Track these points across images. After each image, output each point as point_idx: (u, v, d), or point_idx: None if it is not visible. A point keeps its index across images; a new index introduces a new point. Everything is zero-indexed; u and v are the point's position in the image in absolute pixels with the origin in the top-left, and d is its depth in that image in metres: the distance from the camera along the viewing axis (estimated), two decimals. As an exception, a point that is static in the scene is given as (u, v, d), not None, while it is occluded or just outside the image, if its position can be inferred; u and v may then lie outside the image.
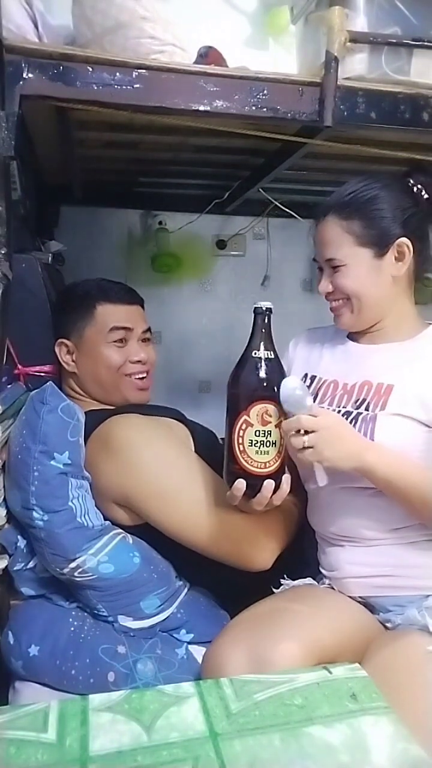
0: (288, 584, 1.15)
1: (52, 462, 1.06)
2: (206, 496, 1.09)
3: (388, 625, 1.07)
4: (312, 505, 1.18)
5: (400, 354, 1.09)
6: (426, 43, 1.07)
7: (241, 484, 0.96)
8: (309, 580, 1.16)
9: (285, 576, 1.16)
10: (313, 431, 0.93)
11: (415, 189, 1.10)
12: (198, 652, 1.11)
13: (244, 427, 0.96)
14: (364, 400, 1.07)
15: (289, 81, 1.04)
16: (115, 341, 1.25)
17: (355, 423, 1.04)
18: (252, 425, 0.96)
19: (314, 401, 1.13)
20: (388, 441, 1.01)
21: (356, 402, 1.08)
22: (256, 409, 0.96)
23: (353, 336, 1.19)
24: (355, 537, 1.08)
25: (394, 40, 1.06)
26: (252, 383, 0.96)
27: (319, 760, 0.60)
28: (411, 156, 1.19)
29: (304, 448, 0.93)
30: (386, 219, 1.06)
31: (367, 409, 1.05)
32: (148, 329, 1.33)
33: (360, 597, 1.10)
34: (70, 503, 1.06)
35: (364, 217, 1.06)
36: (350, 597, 1.10)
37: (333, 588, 1.13)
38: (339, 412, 1.07)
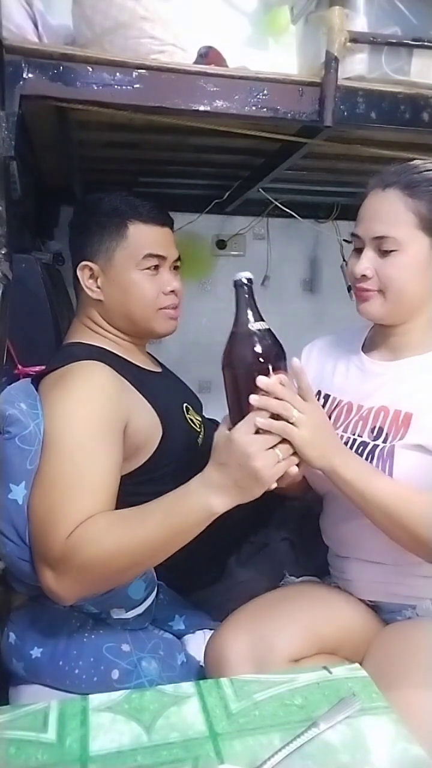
0: (292, 580, 1.15)
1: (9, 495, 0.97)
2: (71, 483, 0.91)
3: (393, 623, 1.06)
4: (325, 520, 1.13)
5: (419, 375, 0.98)
6: (426, 43, 1.07)
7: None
8: (314, 578, 1.17)
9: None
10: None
11: None
12: (197, 653, 1.11)
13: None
14: (381, 429, 0.97)
15: (289, 81, 1.05)
16: (147, 269, 1.12)
17: (372, 457, 0.95)
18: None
19: None
20: (408, 478, 0.91)
21: (372, 430, 0.98)
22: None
23: (369, 347, 1.08)
24: (367, 551, 1.03)
25: (394, 40, 1.07)
26: (265, 357, 0.86)
27: (319, 760, 0.60)
28: (411, 156, 1.19)
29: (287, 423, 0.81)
30: None
31: (385, 441, 0.95)
32: (179, 257, 1.20)
33: (369, 600, 1.07)
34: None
35: None
36: (357, 598, 1.08)
37: (339, 587, 1.12)
38: (355, 441, 0.99)
